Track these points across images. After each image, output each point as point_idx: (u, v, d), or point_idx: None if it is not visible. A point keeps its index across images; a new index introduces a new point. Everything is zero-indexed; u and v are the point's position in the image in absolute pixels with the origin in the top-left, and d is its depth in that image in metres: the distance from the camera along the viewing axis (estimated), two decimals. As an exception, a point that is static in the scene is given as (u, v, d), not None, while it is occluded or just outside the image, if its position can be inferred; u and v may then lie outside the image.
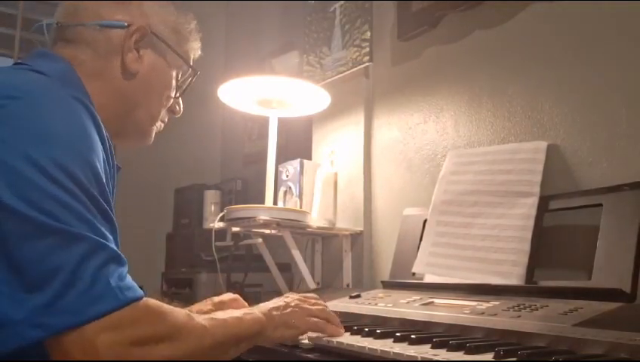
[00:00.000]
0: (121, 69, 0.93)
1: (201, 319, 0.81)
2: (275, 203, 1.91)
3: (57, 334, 0.65)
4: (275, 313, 0.95)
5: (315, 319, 0.99)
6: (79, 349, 0.66)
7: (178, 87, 1.05)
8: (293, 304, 0.99)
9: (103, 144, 0.79)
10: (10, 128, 0.70)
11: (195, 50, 1.07)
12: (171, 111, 1.07)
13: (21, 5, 2.51)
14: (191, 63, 1.06)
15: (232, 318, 0.87)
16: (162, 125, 1.06)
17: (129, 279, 0.73)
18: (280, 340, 0.97)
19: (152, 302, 0.75)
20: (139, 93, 0.96)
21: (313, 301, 1.04)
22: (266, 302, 0.99)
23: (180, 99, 1.07)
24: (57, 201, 0.68)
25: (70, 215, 0.68)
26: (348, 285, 1.88)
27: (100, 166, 0.76)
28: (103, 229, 0.72)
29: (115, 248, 0.73)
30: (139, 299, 0.72)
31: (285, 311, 0.97)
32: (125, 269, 0.73)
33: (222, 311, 0.93)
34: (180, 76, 1.04)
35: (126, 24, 0.92)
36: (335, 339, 0.94)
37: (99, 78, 0.91)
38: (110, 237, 0.73)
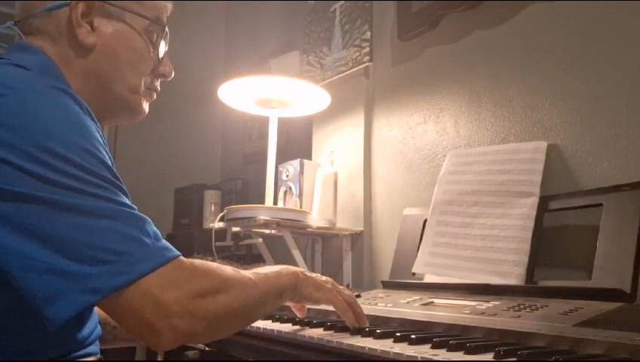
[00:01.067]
0: (77, 48, 0.88)
1: (247, 273, 0.86)
2: (275, 203, 1.91)
3: (111, 295, 0.69)
4: (309, 274, 1.00)
5: (341, 298, 1.02)
6: (150, 309, 0.70)
7: (156, 49, 0.97)
8: (325, 278, 1.04)
9: (95, 128, 0.78)
10: (1, 127, 0.70)
11: (163, 7, 0.98)
12: (161, 75, 1.00)
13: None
14: (164, 20, 0.98)
15: (272, 272, 0.92)
16: (154, 94, 1.00)
17: (164, 240, 0.77)
18: (308, 298, 0.99)
19: (199, 261, 0.79)
20: (106, 67, 0.90)
21: (342, 288, 1.07)
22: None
23: (168, 59, 1.00)
24: (72, 189, 0.70)
25: (88, 197, 0.71)
26: (348, 285, 1.88)
27: (101, 148, 0.76)
28: (121, 200, 0.74)
29: (139, 213, 0.76)
30: (177, 256, 0.76)
31: (319, 279, 1.02)
32: (157, 230, 0.76)
33: (260, 267, 0.95)
34: (155, 38, 0.96)
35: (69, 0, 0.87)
36: (335, 339, 0.94)
37: (64, 63, 0.87)
38: (132, 205, 0.76)
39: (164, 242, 0.76)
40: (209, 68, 3.00)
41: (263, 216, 1.68)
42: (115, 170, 0.77)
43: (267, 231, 1.80)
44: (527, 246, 1.19)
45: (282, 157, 1.97)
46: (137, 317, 0.71)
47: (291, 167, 1.95)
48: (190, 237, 2.48)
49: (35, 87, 0.76)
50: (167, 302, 0.71)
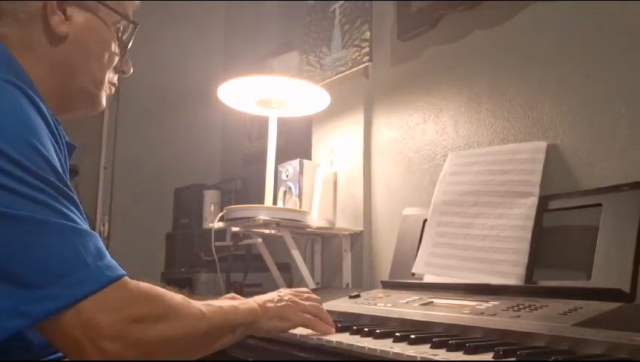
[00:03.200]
0: (48, 35, 0.85)
1: (197, 303, 0.81)
2: (274, 203, 1.91)
3: (47, 320, 0.66)
4: (269, 305, 0.96)
5: (308, 316, 1.00)
6: (80, 330, 0.66)
7: (122, 45, 0.97)
8: (286, 298, 1.01)
9: (47, 124, 0.74)
10: None
11: (131, 3, 0.98)
12: (120, 71, 0.99)
13: None
14: (129, 16, 0.97)
15: (228, 306, 0.87)
16: (113, 88, 0.98)
17: (108, 258, 0.72)
18: (273, 331, 0.97)
19: (146, 284, 0.74)
20: (75, 57, 0.88)
21: (306, 295, 1.06)
22: (261, 295, 1.00)
23: (128, 57, 1.00)
24: (12, 192, 0.66)
25: (28, 203, 0.66)
26: (347, 285, 1.88)
27: (49, 148, 0.72)
28: (65, 211, 0.69)
29: (85, 226, 0.71)
30: (120, 277, 0.71)
31: (279, 304, 0.98)
32: (102, 247, 0.72)
33: (217, 300, 0.93)
34: (120, 33, 0.96)
35: None
36: (335, 339, 0.94)
37: (28, 48, 0.84)
38: (75, 216, 0.70)
39: (108, 260, 0.71)
40: (209, 68, 3.00)
41: (262, 216, 1.68)
42: (64, 174, 0.73)
43: (267, 231, 1.80)
44: (526, 246, 1.19)
45: (282, 157, 1.97)
46: (66, 338, 0.67)
47: (291, 167, 1.95)
48: (190, 237, 2.48)
49: None
50: (99, 325, 0.67)
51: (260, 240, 1.83)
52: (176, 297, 0.77)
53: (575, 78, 1.34)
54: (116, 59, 0.96)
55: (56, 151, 0.74)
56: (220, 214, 1.82)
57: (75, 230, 0.69)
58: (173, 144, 2.93)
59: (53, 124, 0.76)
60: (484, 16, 1.58)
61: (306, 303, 1.02)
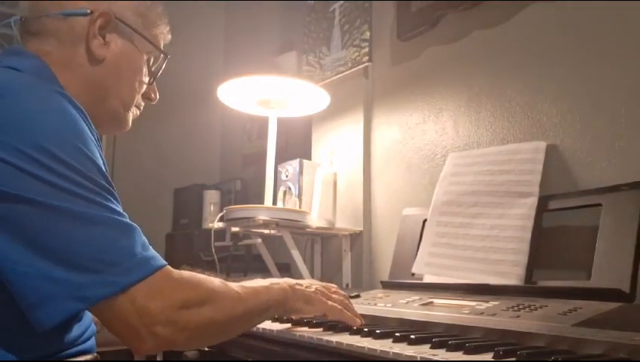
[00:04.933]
0: (87, 57, 0.92)
1: (235, 286, 0.87)
2: (274, 203, 1.91)
3: (100, 303, 0.72)
4: (298, 287, 1.00)
5: (333, 304, 1.03)
6: (135, 316, 0.73)
7: (151, 73, 1.04)
8: (315, 286, 1.04)
9: (90, 131, 0.80)
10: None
11: (164, 34, 1.05)
12: (147, 97, 1.06)
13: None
14: (161, 48, 1.05)
15: (261, 287, 0.93)
16: (138, 112, 1.05)
17: (152, 249, 0.78)
18: (299, 313, 1.01)
19: (187, 272, 0.81)
20: (109, 80, 0.95)
21: (334, 289, 1.09)
22: (291, 279, 1.04)
23: (155, 85, 1.07)
24: (66, 191, 0.72)
25: (81, 201, 0.72)
26: (347, 285, 1.88)
27: (96, 153, 0.78)
28: (113, 207, 0.76)
29: (131, 222, 0.77)
30: (164, 266, 0.77)
31: (308, 289, 1.02)
32: (145, 239, 0.78)
33: (250, 280, 0.97)
34: (151, 62, 1.04)
35: (88, 11, 0.92)
36: (335, 339, 0.93)
37: (66, 67, 0.91)
38: (122, 212, 0.77)
39: (152, 251, 0.78)
40: (208, 68, 3.00)
41: (262, 216, 1.68)
42: (108, 175, 0.79)
43: (266, 232, 1.80)
44: (526, 247, 1.19)
45: (282, 157, 1.97)
46: (122, 323, 0.74)
47: (291, 167, 1.95)
48: (189, 237, 2.48)
49: (32, 89, 0.78)
50: (152, 311, 0.73)
51: (259, 240, 1.83)
52: (216, 281, 0.84)
53: (575, 78, 1.34)
54: (145, 86, 1.03)
55: (100, 154, 0.81)
56: (220, 214, 1.82)
57: (123, 224, 0.76)
58: (172, 144, 2.93)
59: (95, 134, 0.82)
60: (484, 16, 1.58)
61: (334, 295, 1.06)
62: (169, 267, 0.79)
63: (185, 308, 0.77)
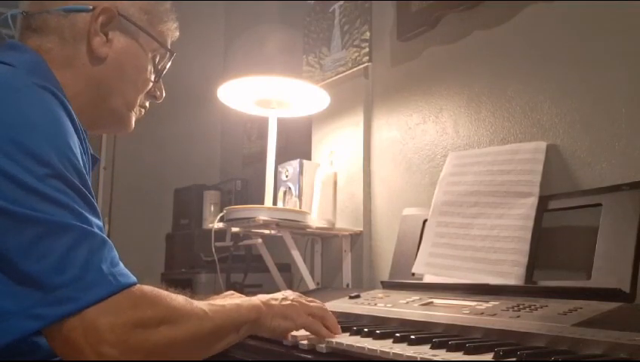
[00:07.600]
0: (89, 55, 0.89)
1: (200, 304, 0.81)
2: (274, 203, 1.91)
3: (54, 323, 0.65)
4: (273, 303, 0.95)
5: (311, 319, 0.98)
6: (81, 334, 0.66)
7: (157, 71, 1.00)
8: (291, 298, 0.99)
9: (75, 131, 0.76)
10: None
11: (171, 31, 1.02)
12: (152, 96, 1.02)
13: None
14: (168, 45, 1.01)
15: (231, 304, 0.87)
16: (143, 111, 1.02)
17: (121, 265, 0.72)
18: (276, 331, 0.95)
19: (149, 287, 0.74)
20: (111, 79, 0.92)
21: (309, 299, 1.04)
22: (265, 294, 0.99)
23: (161, 83, 1.03)
24: (34, 192, 0.67)
25: (49, 204, 0.67)
26: (347, 285, 1.88)
27: (77, 152, 0.74)
28: (86, 215, 0.70)
29: (102, 234, 0.72)
30: (132, 284, 0.71)
31: (283, 304, 0.96)
32: (115, 254, 0.72)
33: (220, 298, 0.93)
34: (157, 60, 1.00)
35: (91, 7, 0.89)
36: (335, 340, 0.93)
37: (68, 65, 0.88)
38: (95, 222, 0.71)
39: (121, 267, 0.72)
40: (208, 68, 3.00)
41: (262, 217, 1.68)
42: (87, 179, 0.74)
43: (267, 232, 1.80)
44: (526, 247, 1.19)
45: (282, 157, 1.97)
46: (66, 339, 0.67)
47: (291, 167, 1.95)
48: (190, 237, 2.48)
49: (17, 85, 0.74)
50: (100, 329, 0.66)
51: (259, 240, 1.83)
52: (179, 298, 0.77)
53: (575, 78, 1.34)
54: (150, 84, 1.00)
55: (82, 156, 0.76)
56: (220, 215, 1.82)
57: (93, 235, 0.69)
58: (172, 144, 2.92)
59: (81, 133, 0.78)
60: (484, 17, 1.58)
61: (312, 304, 1.01)
62: (139, 285, 0.72)
63: (140, 327, 0.70)
